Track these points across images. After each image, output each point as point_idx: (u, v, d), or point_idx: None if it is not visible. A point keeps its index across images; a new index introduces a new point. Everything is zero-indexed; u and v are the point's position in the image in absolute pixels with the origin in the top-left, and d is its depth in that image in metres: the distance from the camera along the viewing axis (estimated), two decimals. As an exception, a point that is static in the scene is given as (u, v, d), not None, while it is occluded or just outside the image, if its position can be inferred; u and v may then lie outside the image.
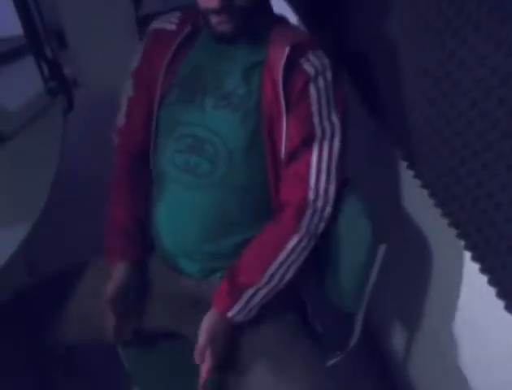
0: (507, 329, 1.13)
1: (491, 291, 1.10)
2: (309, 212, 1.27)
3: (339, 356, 1.40)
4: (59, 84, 1.87)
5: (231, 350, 1.28)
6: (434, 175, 1.24)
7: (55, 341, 1.39)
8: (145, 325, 1.42)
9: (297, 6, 1.89)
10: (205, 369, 1.21)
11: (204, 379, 1.21)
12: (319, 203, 1.28)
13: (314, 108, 1.27)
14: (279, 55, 1.27)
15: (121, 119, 1.51)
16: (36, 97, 1.89)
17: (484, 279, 1.11)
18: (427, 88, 1.19)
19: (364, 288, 1.28)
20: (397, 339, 1.84)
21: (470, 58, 1.03)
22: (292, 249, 1.27)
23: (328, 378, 1.23)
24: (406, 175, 1.39)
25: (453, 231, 1.20)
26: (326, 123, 1.28)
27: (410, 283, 1.64)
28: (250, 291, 1.25)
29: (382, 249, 1.22)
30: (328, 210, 1.29)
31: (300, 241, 1.27)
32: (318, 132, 1.27)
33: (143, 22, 3.04)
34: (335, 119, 1.28)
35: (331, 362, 1.39)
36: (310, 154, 1.28)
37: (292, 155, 1.29)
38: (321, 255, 1.37)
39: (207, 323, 1.25)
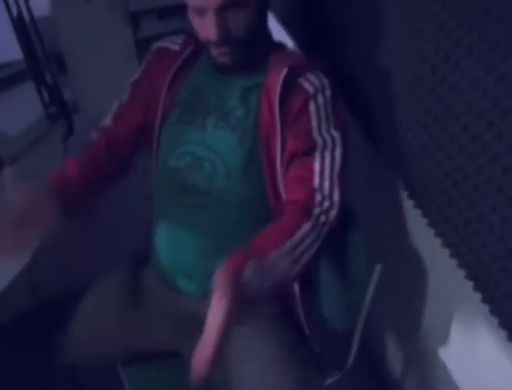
0: (504, 345, 1.14)
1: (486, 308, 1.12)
2: (316, 211, 1.25)
3: (337, 375, 1.41)
4: (59, 110, 1.90)
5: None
6: (427, 196, 1.26)
7: (58, 362, 1.40)
8: (145, 344, 1.44)
9: (294, 33, 1.92)
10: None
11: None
12: (326, 204, 1.25)
13: (314, 123, 1.28)
14: (277, 77, 1.29)
15: (107, 122, 1.48)
16: (36, 122, 1.91)
17: (479, 296, 1.13)
18: (421, 113, 1.21)
19: (361, 307, 1.30)
20: (395, 356, 1.85)
21: (461, 83, 1.05)
22: (302, 238, 1.20)
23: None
24: (402, 197, 1.41)
25: (447, 251, 1.22)
26: (326, 136, 1.28)
27: (406, 301, 1.65)
28: (266, 257, 1.12)
29: (378, 268, 1.24)
30: (334, 213, 1.26)
31: (310, 231, 1.21)
32: (320, 143, 1.28)
33: (142, 45, 3.08)
34: (335, 132, 1.29)
35: (329, 381, 1.40)
36: (313, 162, 1.28)
37: (293, 162, 1.29)
38: (317, 274, 1.38)
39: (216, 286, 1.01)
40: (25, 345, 1.39)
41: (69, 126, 1.94)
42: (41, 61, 1.90)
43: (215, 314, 0.94)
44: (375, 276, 1.24)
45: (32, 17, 1.86)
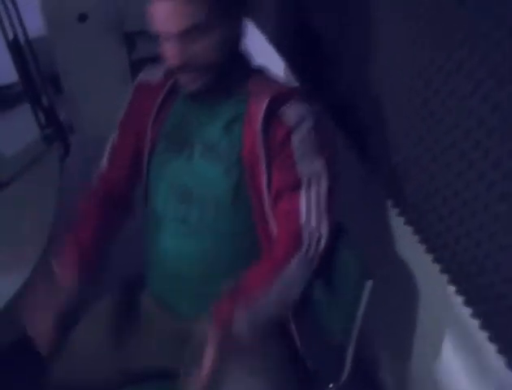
0: (499, 356, 1.15)
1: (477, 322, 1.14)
2: (304, 246, 1.26)
3: (331, 389, 1.42)
4: (55, 131, 1.92)
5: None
6: (418, 213, 1.28)
7: (55, 385, 1.41)
8: (141, 366, 1.44)
9: (285, 53, 1.94)
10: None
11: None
12: (314, 238, 1.27)
13: (298, 156, 1.27)
14: (259, 108, 1.27)
15: (102, 165, 1.53)
16: (32, 143, 1.93)
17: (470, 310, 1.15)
18: (410, 131, 1.24)
19: (353, 321, 1.31)
20: (389, 370, 1.86)
21: (452, 101, 1.08)
22: (295, 271, 1.25)
23: None
24: (392, 214, 1.43)
25: (438, 267, 1.24)
26: (311, 168, 1.27)
27: (399, 315, 1.66)
28: (254, 307, 1.21)
29: (369, 284, 1.25)
30: (323, 242, 1.28)
31: (301, 263, 1.25)
32: (305, 177, 1.27)
33: (137, 66, 3.11)
34: (320, 162, 1.27)
35: (324, 396, 1.42)
36: (299, 198, 1.27)
37: (281, 195, 1.29)
38: (310, 290, 1.39)
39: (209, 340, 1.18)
40: (23, 370, 1.40)
41: (65, 147, 1.96)
42: (37, 83, 1.92)
43: (208, 361, 1.16)
44: (367, 292, 1.26)
45: (27, 40, 1.88)
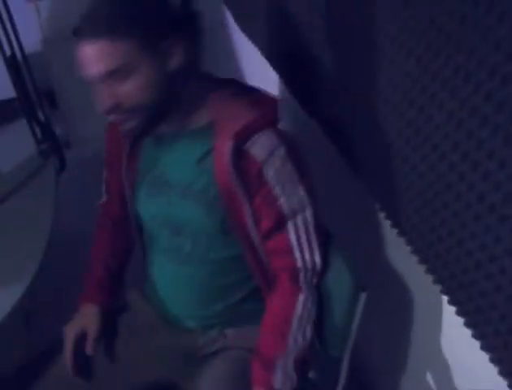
0: (495, 371, 1.16)
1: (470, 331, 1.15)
2: (302, 274, 1.28)
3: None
4: (51, 146, 1.93)
5: None
6: (410, 224, 1.29)
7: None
8: (141, 378, 1.45)
9: (278, 66, 1.96)
10: None
11: None
12: (309, 265, 1.28)
13: (277, 190, 1.23)
14: (225, 146, 1.20)
15: (103, 196, 1.58)
16: (28, 158, 1.94)
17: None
18: (402, 145, 1.25)
19: (348, 334, 1.32)
20: (385, 381, 1.86)
21: (438, 116, 1.10)
22: (302, 311, 1.27)
23: None
24: (385, 225, 1.45)
25: (431, 278, 1.26)
26: (293, 200, 1.24)
27: (394, 327, 1.67)
28: (282, 359, 1.25)
29: (363, 297, 1.26)
30: (319, 269, 1.30)
31: (306, 301, 1.28)
32: (288, 212, 1.25)
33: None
34: (301, 191, 1.25)
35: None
36: (287, 235, 1.26)
37: (269, 235, 1.27)
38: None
39: None
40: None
41: (61, 162, 1.97)
42: (34, 99, 1.94)
43: None
44: (361, 304, 1.27)
45: (24, 56, 1.90)
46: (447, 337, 1.38)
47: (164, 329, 1.47)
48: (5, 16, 1.84)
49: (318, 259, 1.29)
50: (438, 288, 1.24)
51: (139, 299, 1.54)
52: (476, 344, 1.14)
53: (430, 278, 1.26)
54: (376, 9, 1.20)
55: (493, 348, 1.10)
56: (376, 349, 1.86)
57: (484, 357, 1.13)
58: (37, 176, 1.86)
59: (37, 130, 1.93)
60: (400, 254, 1.45)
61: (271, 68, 1.97)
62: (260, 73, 2.22)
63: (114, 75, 1.13)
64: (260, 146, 1.21)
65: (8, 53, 1.95)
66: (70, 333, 1.41)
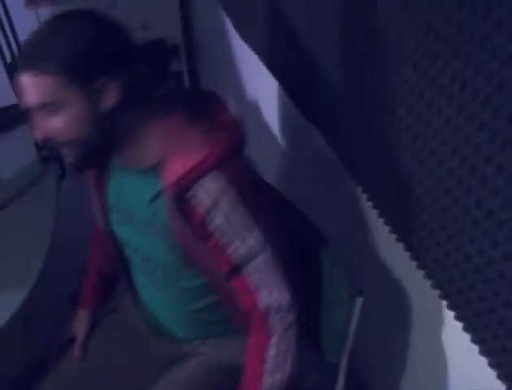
0: (493, 375, 1.15)
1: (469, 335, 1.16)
2: (271, 315, 1.22)
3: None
4: (52, 153, 1.94)
5: None
6: (409, 229, 1.30)
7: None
8: (115, 381, 1.48)
9: (277, 72, 1.97)
10: None
11: None
12: (276, 305, 1.22)
13: (229, 237, 1.17)
14: (168, 194, 1.14)
15: None
16: (29, 165, 1.95)
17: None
18: (401, 152, 1.26)
19: (345, 339, 1.33)
20: (383, 386, 1.86)
21: (440, 119, 1.11)
22: (276, 352, 1.23)
23: None
24: (384, 230, 1.45)
25: (429, 282, 1.26)
26: (250, 243, 1.18)
27: (395, 332, 1.68)
28: None
29: (360, 301, 1.26)
30: (287, 302, 1.22)
31: (279, 341, 1.23)
32: (246, 256, 1.19)
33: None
34: (258, 233, 1.18)
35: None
36: (247, 277, 1.21)
37: (229, 277, 1.23)
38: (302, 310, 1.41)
39: None
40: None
41: (62, 168, 1.98)
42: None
43: None
44: (358, 308, 1.27)
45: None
46: (445, 341, 1.39)
47: (152, 336, 1.52)
48: (5, 23, 1.85)
49: (286, 296, 1.21)
50: (436, 292, 1.24)
51: (130, 306, 1.57)
52: (475, 348, 1.15)
53: (428, 282, 1.26)
54: (375, 15, 1.21)
55: (492, 353, 1.11)
56: (375, 354, 1.87)
57: (483, 361, 1.13)
58: (38, 183, 1.87)
59: (38, 136, 1.94)
60: (398, 259, 1.46)
61: (271, 75, 1.98)
62: (259, 80, 2.23)
63: (43, 108, 1.09)
64: (204, 194, 1.13)
65: (8, 59, 1.96)
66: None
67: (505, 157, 0.93)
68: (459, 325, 1.18)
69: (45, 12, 2.68)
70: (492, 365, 1.12)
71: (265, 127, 2.33)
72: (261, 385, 1.24)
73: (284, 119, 2.13)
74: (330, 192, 1.80)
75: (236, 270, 1.20)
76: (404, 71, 1.15)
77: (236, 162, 1.18)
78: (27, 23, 2.55)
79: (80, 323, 1.54)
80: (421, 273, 1.29)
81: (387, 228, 1.41)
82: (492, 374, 1.12)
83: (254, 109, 2.42)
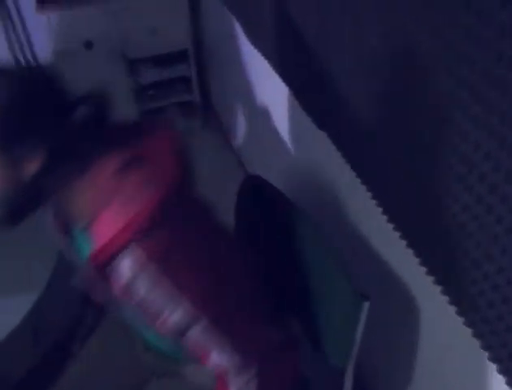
0: (502, 380, 1.16)
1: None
2: (229, 376, 1.16)
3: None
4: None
5: None
6: (418, 236, 1.31)
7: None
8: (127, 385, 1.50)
9: (287, 78, 1.97)
10: None
11: None
12: (232, 367, 1.14)
13: (155, 311, 1.09)
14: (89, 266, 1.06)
15: None
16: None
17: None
18: (406, 160, 1.26)
19: (351, 344, 1.32)
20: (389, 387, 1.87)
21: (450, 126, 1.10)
22: None
23: None
24: (394, 235, 1.45)
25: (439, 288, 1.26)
26: (180, 315, 1.09)
27: (402, 338, 1.68)
28: None
29: (366, 306, 1.25)
30: (238, 365, 1.14)
31: None
32: (179, 327, 1.10)
33: (140, 92, 3.16)
34: (189, 304, 1.08)
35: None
36: (191, 343, 1.13)
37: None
38: (308, 316, 1.42)
39: None
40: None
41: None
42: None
43: None
44: (364, 313, 1.26)
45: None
46: (454, 348, 1.38)
47: (129, 348, 1.52)
48: (19, 24, 1.87)
49: (235, 358, 1.13)
50: (444, 298, 1.24)
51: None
52: (484, 354, 1.15)
53: (436, 288, 1.26)
54: (385, 18, 1.21)
55: (501, 360, 1.11)
56: (381, 360, 1.86)
57: (492, 367, 1.13)
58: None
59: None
60: (407, 264, 1.46)
61: (281, 80, 1.98)
62: (268, 85, 2.24)
63: None
64: (122, 269, 1.04)
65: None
66: None
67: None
68: (468, 331, 1.18)
69: (55, 18, 2.70)
70: (501, 371, 1.11)
71: (274, 132, 2.33)
72: None
73: (294, 124, 2.13)
74: (339, 198, 1.81)
75: (177, 335, 1.13)
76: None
77: (167, 224, 1.08)
78: (38, 28, 2.58)
79: None
80: (429, 278, 1.28)
81: (395, 234, 1.41)
82: (501, 380, 1.11)
83: (263, 114, 2.42)
